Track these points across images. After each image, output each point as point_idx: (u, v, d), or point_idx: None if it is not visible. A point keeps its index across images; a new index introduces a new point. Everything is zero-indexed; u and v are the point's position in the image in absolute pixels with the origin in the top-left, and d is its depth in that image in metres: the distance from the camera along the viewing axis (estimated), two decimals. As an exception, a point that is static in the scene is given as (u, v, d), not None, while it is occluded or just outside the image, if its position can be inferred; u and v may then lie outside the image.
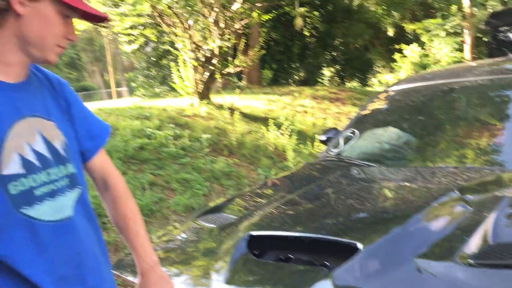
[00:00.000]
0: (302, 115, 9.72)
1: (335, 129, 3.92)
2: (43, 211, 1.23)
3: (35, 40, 1.22)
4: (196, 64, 8.38)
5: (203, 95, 8.77)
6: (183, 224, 2.51)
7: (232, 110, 8.70)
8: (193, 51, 8.30)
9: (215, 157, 6.70)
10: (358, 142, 3.30)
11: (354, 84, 18.09)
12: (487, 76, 3.26)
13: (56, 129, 1.30)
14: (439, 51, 18.06)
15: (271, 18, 8.62)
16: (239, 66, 8.99)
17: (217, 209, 2.65)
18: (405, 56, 18.19)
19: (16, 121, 1.21)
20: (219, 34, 8.13)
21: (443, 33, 17.37)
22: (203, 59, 8.44)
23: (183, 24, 7.98)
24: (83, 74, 49.53)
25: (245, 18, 8.11)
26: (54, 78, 1.39)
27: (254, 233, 1.95)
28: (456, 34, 17.16)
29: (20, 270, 1.18)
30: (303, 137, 8.24)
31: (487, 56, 4.58)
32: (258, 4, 8.27)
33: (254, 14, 8.09)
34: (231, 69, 8.99)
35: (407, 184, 2.28)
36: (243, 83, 14.35)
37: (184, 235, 2.33)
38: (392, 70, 19.35)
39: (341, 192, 2.30)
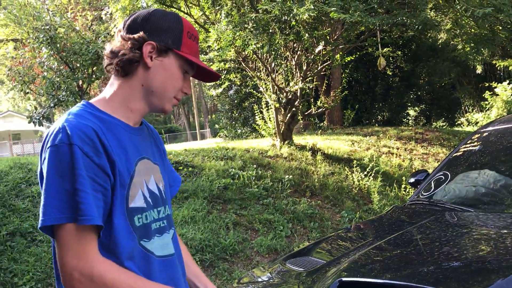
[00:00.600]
0: (387, 156, 9.46)
1: (425, 171, 3.77)
2: (155, 246, 1.33)
3: (157, 90, 1.37)
4: (278, 106, 8.52)
5: (285, 136, 8.86)
6: (270, 266, 2.50)
7: (314, 151, 8.68)
8: (275, 93, 8.47)
9: (297, 198, 6.68)
10: (451, 185, 3.16)
11: (441, 124, 17.39)
12: None
13: (159, 173, 1.42)
14: (534, 88, 17.02)
15: (353, 59, 8.62)
16: (321, 107, 9.01)
17: (305, 252, 2.62)
18: (496, 94, 17.31)
19: (138, 160, 1.35)
20: (301, 76, 8.24)
21: (539, 69, 16.40)
22: (285, 101, 8.57)
23: (266, 67, 8.20)
24: (170, 116, 51.99)
25: (328, 60, 8.17)
26: (154, 129, 1.57)
27: (345, 279, 1.90)
28: (553, 70, 16.12)
29: None
30: (388, 179, 8.00)
31: None
32: (341, 46, 8.32)
33: (337, 57, 8.13)
34: (313, 110, 9.03)
35: (508, 231, 2.13)
36: (325, 124, 14.32)
37: (272, 278, 2.33)
38: (481, 109, 18.43)
39: (435, 239, 2.20)
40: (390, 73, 14.28)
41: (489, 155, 3.29)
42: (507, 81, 17.53)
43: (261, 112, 9.82)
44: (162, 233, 1.37)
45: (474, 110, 19.99)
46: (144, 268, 1.29)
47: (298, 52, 8.30)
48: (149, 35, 1.34)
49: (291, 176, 7.13)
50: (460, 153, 3.49)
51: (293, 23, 6.58)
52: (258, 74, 8.70)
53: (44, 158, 1.23)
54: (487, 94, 17.16)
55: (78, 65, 7.44)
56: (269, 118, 9.50)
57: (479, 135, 3.54)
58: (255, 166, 7.34)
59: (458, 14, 7.98)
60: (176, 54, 1.36)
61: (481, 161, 3.28)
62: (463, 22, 8.40)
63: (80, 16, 8.95)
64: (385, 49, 8.89)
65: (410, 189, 7.06)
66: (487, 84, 17.80)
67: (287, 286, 2.17)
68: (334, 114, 14.09)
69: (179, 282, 1.39)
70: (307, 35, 6.68)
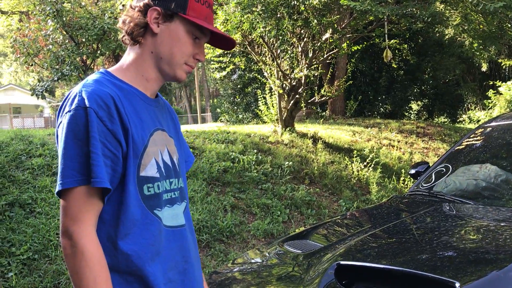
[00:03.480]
0: (387, 148, 9.47)
1: (425, 163, 3.78)
2: (165, 216, 1.34)
3: (165, 56, 1.36)
4: (281, 92, 8.50)
5: (287, 123, 8.85)
6: (268, 247, 2.52)
7: (315, 139, 8.68)
8: (280, 79, 8.44)
9: (296, 185, 6.70)
10: (451, 178, 3.17)
11: (443, 119, 17.38)
12: None
13: (174, 146, 1.44)
14: (539, 89, 16.96)
15: (359, 48, 8.57)
16: (325, 96, 8.99)
17: (303, 235, 2.64)
18: (500, 93, 17.26)
19: (154, 130, 1.36)
20: (307, 64, 8.21)
21: (543, 70, 16.36)
22: (289, 88, 8.55)
23: (272, 53, 8.16)
24: (171, 98, 51.91)
25: (334, 48, 8.12)
26: (169, 105, 1.57)
27: (343, 262, 1.91)
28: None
29: (142, 267, 1.27)
30: (387, 171, 8.01)
31: None
32: (348, 35, 8.27)
33: (344, 45, 8.08)
34: (316, 99, 9.01)
35: (507, 224, 2.14)
36: (327, 113, 14.31)
37: (269, 258, 2.34)
38: (484, 107, 18.39)
39: (434, 228, 2.21)
40: (395, 66, 14.21)
41: (492, 150, 3.30)
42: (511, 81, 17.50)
43: (264, 98, 9.79)
44: (173, 204, 1.38)
45: (477, 108, 19.97)
46: (158, 236, 1.31)
47: (305, 39, 8.26)
48: (154, 0, 1.34)
49: (291, 163, 7.13)
50: (463, 146, 3.50)
51: (302, 8, 6.53)
52: (264, 59, 8.67)
53: (61, 123, 1.24)
54: (490, 93, 17.13)
55: (84, 40, 7.41)
56: (272, 104, 9.47)
57: (483, 130, 3.54)
58: (255, 151, 7.35)
59: (468, 9, 7.92)
60: (182, 18, 1.34)
61: (483, 156, 3.28)
62: (472, 17, 8.35)
63: (87, -9, 8.87)
64: (392, 41, 8.84)
65: (409, 182, 7.08)
66: (491, 83, 17.74)
67: (284, 267, 2.19)
68: (336, 104, 14.07)
69: (189, 254, 1.40)
70: (315, 21, 6.63)
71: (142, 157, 1.30)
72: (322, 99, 9.08)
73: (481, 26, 9.21)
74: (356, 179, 7.43)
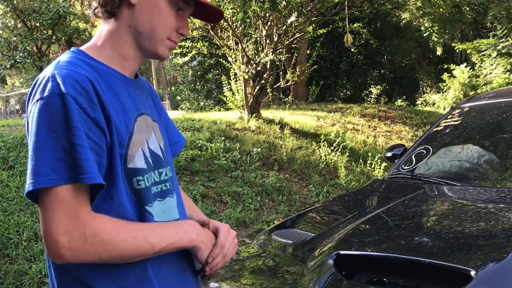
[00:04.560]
0: (352, 133, 9.50)
1: (402, 145, 3.73)
2: (156, 211, 1.18)
3: (145, 30, 1.18)
4: (247, 77, 8.33)
5: (253, 109, 8.71)
6: (255, 238, 2.38)
7: (282, 125, 8.58)
8: (245, 64, 8.26)
9: (265, 172, 6.59)
10: (433, 159, 3.11)
11: (401, 103, 17.68)
12: None
13: (159, 131, 1.25)
14: (491, 72, 17.48)
15: (324, 32, 8.49)
16: (289, 81, 8.89)
17: (289, 224, 2.52)
18: (454, 77, 17.70)
19: (138, 115, 1.19)
20: (272, 48, 8.06)
21: (494, 53, 16.82)
22: (254, 73, 8.39)
23: (237, 37, 7.96)
24: (128, 86, 50.73)
25: (299, 32, 8.01)
26: (149, 85, 1.39)
27: (343, 252, 1.80)
28: (509, 54, 16.56)
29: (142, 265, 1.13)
30: (354, 154, 8.03)
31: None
32: (313, 19, 8.16)
33: (309, 29, 7.98)
34: (282, 84, 8.90)
35: (507, 206, 2.08)
36: (290, 99, 14.26)
37: (260, 250, 2.21)
38: (439, 90, 18.85)
39: (430, 212, 2.13)
40: (354, 51, 14.30)
41: (472, 131, 3.27)
42: (465, 64, 17.96)
43: (229, 84, 9.60)
44: (164, 197, 1.21)
45: (432, 91, 20.43)
46: None
47: (269, 23, 8.10)
48: None
49: (259, 149, 7.02)
50: (441, 128, 3.46)
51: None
52: (228, 43, 8.46)
53: (31, 112, 1.05)
54: (445, 76, 17.54)
55: (38, 24, 6.97)
56: (237, 90, 9.30)
57: (460, 110, 3.51)
58: (223, 138, 7.18)
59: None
60: None
61: (463, 136, 3.25)
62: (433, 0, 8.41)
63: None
64: (355, 24, 8.82)
65: (376, 165, 7.10)
66: (446, 66, 18.18)
67: (277, 259, 2.06)
68: (299, 89, 14.03)
69: (183, 253, 1.23)
70: (284, 3, 6.48)
71: (129, 147, 1.13)
72: (287, 84, 8.98)
73: (440, 10, 9.32)
74: (324, 163, 7.40)
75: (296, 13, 7.45)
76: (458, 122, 3.45)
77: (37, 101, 1.04)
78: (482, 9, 13.25)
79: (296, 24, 7.68)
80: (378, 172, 7.01)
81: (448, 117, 3.54)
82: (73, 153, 1.00)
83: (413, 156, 3.27)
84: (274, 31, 7.94)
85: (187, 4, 1.21)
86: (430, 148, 3.27)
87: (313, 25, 8.03)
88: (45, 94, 1.03)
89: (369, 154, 7.63)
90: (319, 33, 8.21)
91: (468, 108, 3.49)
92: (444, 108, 16.96)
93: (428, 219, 2.05)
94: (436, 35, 10.98)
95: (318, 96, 14.51)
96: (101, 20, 1.22)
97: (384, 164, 6.97)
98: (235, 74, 8.98)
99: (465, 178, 2.77)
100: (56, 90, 1.03)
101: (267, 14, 7.78)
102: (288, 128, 8.46)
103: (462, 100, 3.75)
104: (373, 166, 7.28)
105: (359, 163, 7.55)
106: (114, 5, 1.16)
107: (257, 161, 6.74)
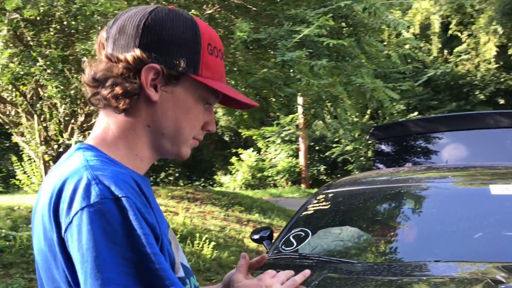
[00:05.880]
0: (169, 215, 9.42)
1: (268, 228, 3.93)
2: None
3: (169, 132, 0.99)
4: (48, 159, 7.39)
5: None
6: None
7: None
8: (45, 144, 7.42)
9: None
10: (315, 240, 3.33)
11: (201, 184, 18.43)
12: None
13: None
14: (275, 157, 19.64)
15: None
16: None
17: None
18: (242, 160, 19.32)
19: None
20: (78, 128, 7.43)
21: (278, 140, 19.07)
22: (56, 155, 7.51)
23: (33, 110, 7.12)
24: None
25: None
26: None
27: None
28: (291, 141, 18.97)
29: None
30: (177, 236, 7.91)
31: (373, 166, 5.00)
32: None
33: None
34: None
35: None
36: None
37: None
38: (229, 172, 20.25)
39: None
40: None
41: (344, 214, 3.62)
42: (251, 149, 19.83)
43: (23, 166, 8.60)
44: None
45: (220, 173, 21.75)
46: None
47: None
48: (149, 52, 0.93)
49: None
50: (311, 211, 3.73)
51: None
52: (17, 120, 7.62)
53: (74, 226, 0.84)
54: (234, 159, 19.03)
55: None
56: (34, 173, 8.36)
57: (324, 195, 3.85)
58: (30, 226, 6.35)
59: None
60: (193, 80, 0.96)
61: (337, 219, 3.57)
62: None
63: None
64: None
65: (205, 245, 7.17)
66: (234, 150, 19.78)
67: None
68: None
69: None
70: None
71: (174, 255, 1.01)
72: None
73: (251, 97, 10.19)
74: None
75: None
76: (327, 207, 3.79)
77: (81, 210, 0.84)
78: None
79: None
80: (207, 252, 7.14)
81: (314, 202, 3.86)
82: (149, 264, 0.85)
83: (291, 238, 3.44)
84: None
85: (216, 96, 1.03)
86: (309, 230, 3.50)
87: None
88: (92, 200, 0.84)
89: (197, 234, 7.67)
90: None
91: (332, 194, 3.87)
92: (234, 189, 18.21)
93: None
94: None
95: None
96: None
97: (212, 243, 7.16)
98: (29, 156, 8.05)
99: (355, 256, 3.04)
100: (108, 194, 0.85)
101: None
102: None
103: (322, 187, 4.16)
104: (200, 245, 7.31)
105: (187, 243, 7.49)
106: (132, 101, 0.94)
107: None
